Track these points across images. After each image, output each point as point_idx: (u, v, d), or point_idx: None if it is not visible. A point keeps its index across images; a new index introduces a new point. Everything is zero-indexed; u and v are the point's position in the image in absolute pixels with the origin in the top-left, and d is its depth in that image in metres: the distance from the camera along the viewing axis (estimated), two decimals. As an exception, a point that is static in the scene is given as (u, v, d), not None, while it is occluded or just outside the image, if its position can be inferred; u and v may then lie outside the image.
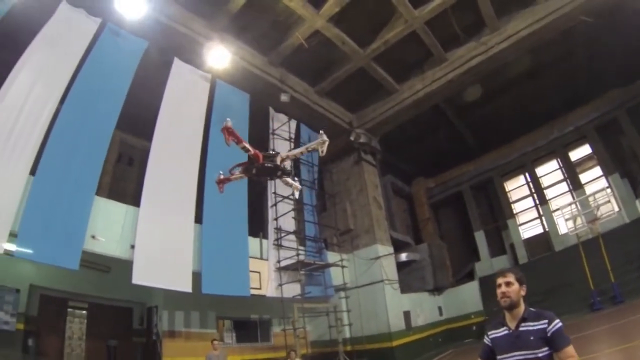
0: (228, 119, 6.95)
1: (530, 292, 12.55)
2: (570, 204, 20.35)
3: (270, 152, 7.28)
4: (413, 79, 19.18)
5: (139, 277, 10.78)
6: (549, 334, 2.77)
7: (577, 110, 22.70)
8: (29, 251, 9.44)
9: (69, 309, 16.76)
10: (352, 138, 19.41)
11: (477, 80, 19.24)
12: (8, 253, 9.46)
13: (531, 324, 2.84)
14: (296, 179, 9.05)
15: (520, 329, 2.85)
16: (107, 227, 11.06)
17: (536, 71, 20.34)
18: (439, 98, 20.14)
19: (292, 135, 17.60)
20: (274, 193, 16.10)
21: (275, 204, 16.00)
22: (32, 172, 9.95)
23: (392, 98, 19.54)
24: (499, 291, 2.94)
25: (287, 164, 8.01)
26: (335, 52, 16.79)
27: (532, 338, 2.77)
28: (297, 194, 10.19)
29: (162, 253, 11.38)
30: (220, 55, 14.25)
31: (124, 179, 17.61)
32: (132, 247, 11.08)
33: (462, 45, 17.72)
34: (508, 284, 2.92)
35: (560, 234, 21.98)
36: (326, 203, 20.24)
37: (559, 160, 24.00)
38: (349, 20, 15.70)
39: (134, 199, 12.89)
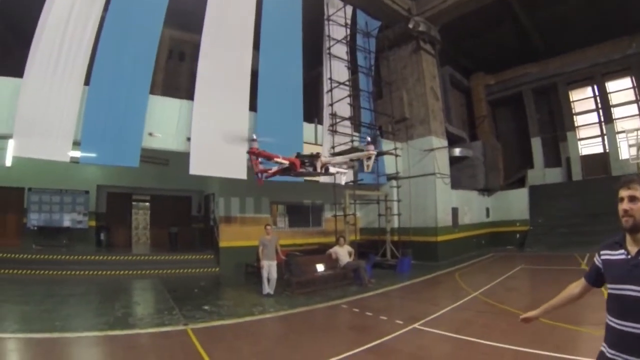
0: (254, 137, 6.98)
1: (576, 212, 12.12)
2: (637, 129, 19.08)
3: (311, 154, 7.04)
4: (479, -34, 17.65)
5: (196, 168, 11.14)
6: None
7: None
8: (93, 155, 10.07)
9: (134, 202, 18.68)
10: (410, 26, 18.31)
11: None
12: (74, 160, 10.13)
13: None
14: (344, 166, 8.64)
15: None
16: (163, 123, 11.38)
17: None
18: None
19: (348, 22, 16.75)
20: (330, 79, 15.63)
21: (330, 90, 15.57)
22: (87, 82, 10.23)
23: (458, -12, 18.10)
24: (620, 207, 2.23)
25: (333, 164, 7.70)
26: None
27: None
28: (343, 181, 9.54)
29: (217, 143, 11.47)
30: None
31: (176, 74, 17.75)
32: (188, 139, 11.32)
33: None
34: (633, 198, 2.19)
35: (620, 158, 20.84)
36: (382, 90, 19.59)
37: (633, 78, 21.87)
38: None
39: (188, 93, 12.99)
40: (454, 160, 19.68)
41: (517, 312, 7.70)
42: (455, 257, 16.95)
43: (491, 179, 21.51)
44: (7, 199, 14.64)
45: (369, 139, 6.84)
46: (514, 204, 21.71)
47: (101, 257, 13.77)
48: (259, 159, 7.11)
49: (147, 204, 19.54)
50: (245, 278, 13.47)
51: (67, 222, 15.27)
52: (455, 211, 18.33)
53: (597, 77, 23.04)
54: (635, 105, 21.78)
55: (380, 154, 16.07)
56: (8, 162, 11.29)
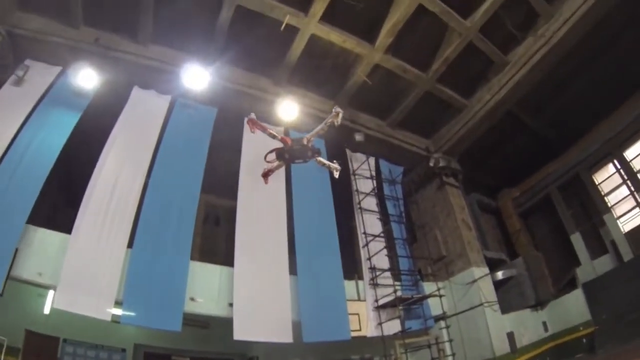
0: (252, 113, 7.77)
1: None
2: None
3: (297, 137, 7.89)
4: (480, 90, 19.04)
5: (240, 334, 11.55)
6: None
7: None
8: (134, 315, 10.59)
9: None
10: (431, 164, 19.45)
11: (545, 74, 18.30)
12: (115, 320, 10.61)
13: None
14: (335, 161, 9.42)
15: None
16: (204, 288, 12.16)
17: (606, 44, 18.83)
18: (510, 103, 19.60)
19: (373, 173, 17.92)
20: (364, 233, 16.47)
21: (367, 244, 16.35)
22: (130, 244, 11.17)
23: (463, 115, 19.45)
24: None
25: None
26: (399, 82, 17.10)
27: None
28: (336, 174, 10.42)
29: (260, 307, 12.08)
30: (289, 107, 14.97)
31: (213, 239, 18.74)
32: (230, 305, 11.91)
33: (520, 43, 17.41)
34: None
35: None
36: (416, 234, 20.31)
37: None
38: (405, 48, 16.17)
39: (225, 258, 13.83)
40: (498, 284, 19.60)
41: None
42: (522, 382, 16.25)
43: (540, 291, 21.14)
44: (41, 346, 13.80)
45: (336, 107, 7.92)
46: (571, 309, 20.86)
47: None
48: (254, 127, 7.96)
49: None
50: None
51: (102, 379, 14.89)
52: (511, 335, 17.90)
53: (614, 150, 22.90)
54: None
55: (424, 297, 16.55)
56: (47, 310, 11.85)
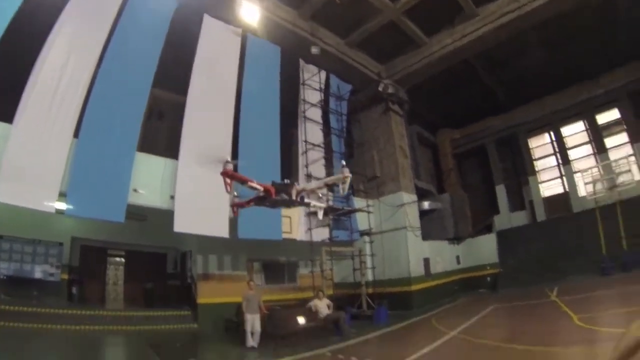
0: (228, 159, 6.88)
1: (543, 250, 13.70)
2: (592, 168, 21.16)
3: (285, 182, 7.11)
4: (443, 33, 19.16)
5: (180, 226, 11.56)
6: None
7: (609, 74, 22.45)
8: (78, 208, 10.29)
9: (108, 257, 18.21)
10: (380, 89, 19.69)
11: (509, 37, 18.98)
12: (59, 212, 10.33)
13: None
14: (321, 195, 9.02)
15: None
16: (148, 180, 11.85)
17: (572, 31, 19.95)
18: (469, 53, 20.14)
19: (322, 86, 17.99)
20: (305, 141, 16.69)
21: (305, 152, 16.60)
22: (76, 134, 10.60)
23: (421, 51, 19.65)
24: None
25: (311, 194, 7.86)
26: (366, 5, 16.80)
27: None
28: (320, 215, 10.12)
29: (200, 201, 11.99)
30: (250, 10, 14.51)
31: (156, 132, 18.26)
32: (172, 197, 11.84)
33: (494, 1, 17.63)
34: None
35: (579, 195, 22.43)
36: (354, 151, 20.84)
37: (585, 122, 24.13)
38: (380, -27, 15.82)
39: (167, 152, 13.55)
40: (423, 213, 20.88)
41: (495, 344, 9.09)
42: (429, 304, 17.71)
43: (460, 228, 22.75)
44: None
45: (343, 162, 7.05)
46: (483, 250, 22.88)
47: (74, 311, 13.06)
48: (232, 182, 7.00)
49: (122, 259, 19.32)
50: (225, 333, 13.79)
51: (38, 274, 14.36)
52: (427, 261, 19.30)
53: (554, 123, 25.07)
54: (588, 146, 23.88)
55: (353, 211, 17.18)
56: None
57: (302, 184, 7.88)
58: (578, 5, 17.17)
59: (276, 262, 17.70)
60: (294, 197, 6.91)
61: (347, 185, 7.03)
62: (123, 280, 18.69)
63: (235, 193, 7.70)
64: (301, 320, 12.32)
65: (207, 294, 14.81)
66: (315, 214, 15.89)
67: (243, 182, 6.79)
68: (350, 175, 6.88)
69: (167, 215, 11.71)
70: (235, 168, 7.08)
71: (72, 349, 10.48)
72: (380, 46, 19.36)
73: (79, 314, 13.02)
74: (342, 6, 16.21)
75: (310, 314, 12.71)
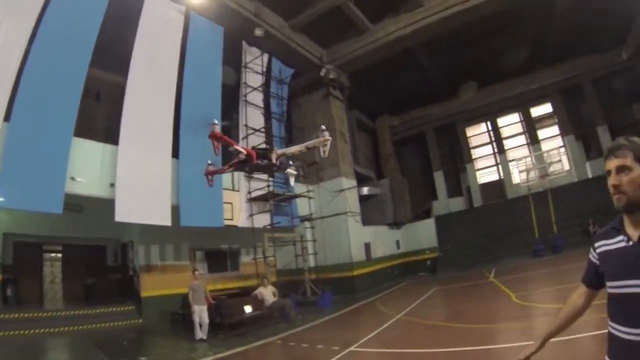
0: (215, 122, 6.57)
1: (479, 234, 14.29)
2: (525, 157, 22.52)
3: (265, 147, 6.94)
4: (387, 20, 19.39)
5: (121, 215, 10.84)
6: None
7: (544, 70, 24.08)
8: (11, 200, 9.39)
9: (44, 253, 16.62)
10: (322, 73, 19.59)
11: (452, 29, 19.44)
12: None
13: None
14: (291, 163, 8.94)
15: None
16: (86, 167, 10.93)
17: (513, 27, 20.87)
18: (412, 42, 20.44)
19: (264, 69, 17.60)
20: (246, 125, 16.30)
21: (246, 136, 16.22)
22: (7, 118, 9.58)
23: (364, 37, 19.71)
24: (609, 183, 1.81)
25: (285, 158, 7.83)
26: (313, -13, 16.63)
27: None
28: (292, 182, 9.98)
29: (142, 189, 11.42)
30: None
31: (92, 116, 17.21)
32: (112, 185, 11.05)
33: None
34: (621, 169, 1.76)
35: (513, 183, 23.93)
36: (293, 135, 20.61)
37: (520, 114, 25.97)
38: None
39: (104, 136, 12.76)
40: (363, 199, 21.01)
41: (441, 324, 9.24)
42: (372, 288, 17.99)
43: (399, 213, 23.15)
44: None
45: (323, 127, 7.08)
46: (422, 234, 23.52)
47: (9, 315, 11.80)
48: (219, 145, 6.73)
49: (59, 254, 18.20)
50: (172, 326, 13.23)
51: (-33, 275, 12.88)
52: (367, 246, 19.51)
53: (490, 114, 26.27)
54: (523, 137, 25.63)
55: (294, 197, 17.05)
56: None
57: (280, 149, 7.83)
58: (518, 4, 17.77)
59: (218, 250, 17.34)
60: (274, 161, 6.79)
61: (327, 149, 6.92)
62: (61, 277, 17.11)
63: (210, 161, 7.68)
64: (248, 308, 12.13)
65: (151, 286, 14.22)
66: (255, 199, 15.73)
67: (229, 145, 6.63)
68: (330, 138, 6.80)
69: (105, 205, 10.96)
70: (223, 130, 6.66)
71: (10, 358, 9.56)
72: (323, 31, 19.19)
73: (15, 317, 11.94)
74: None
75: (257, 302, 12.52)
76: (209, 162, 7.63)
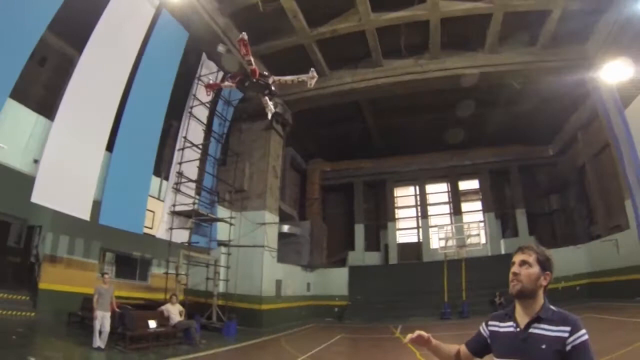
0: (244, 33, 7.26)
1: (391, 291, 14.88)
2: (446, 225, 23.99)
3: (264, 72, 7.63)
4: (344, 71, 20.17)
5: (39, 197, 9.90)
6: (568, 347, 1.95)
7: (478, 150, 26.33)
8: None
9: None
10: (269, 105, 19.77)
11: (404, 93, 20.73)
12: None
13: (547, 327, 2.04)
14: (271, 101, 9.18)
15: (531, 330, 2.07)
16: (12, 134, 9.93)
17: (459, 105, 22.16)
18: (361, 96, 21.52)
19: (216, 86, 17.49)
20: (184, 137, 15.95)
21: (182, 149, 15.87)
22: None
23: (319, 81, 19.80)
24: (511, 270, 2.19)
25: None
26: (284, 23, 16.95)
27: (543, 347, 1.99)
28: (269, 115, 10.14)
29: (67, 174, 10.54)
30: None
31: (31, 79, 15.98)
32: (36, 162, 10.12)
33: (401, 59, 19.13)
34: (523, 263, 2.16)
35: (431, 247, 25.12)
36: (227, 159, 20.37)
37: (448, 184, 27.76)
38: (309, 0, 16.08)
39: (39, 106, 11.89)
40: (282, 236, 20.97)
41: None
42: (278, 325, 17.84)
43: (315, 257, 23.28)
44: None
45: (312, 69, 7.59)
46: (334, 281, 23.82)
47: None
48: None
49: None
50: (68, 328, 11.98)
51: None
52: (279, 283, 19.40)
53: (420, 179, 27.63)
54: (447, 206, 27.21)
55: (217, 219, 16.76)
56: None
57: (276, 77, 8.27)
58: (469, 87, 19.18)
59: (130, 256, 16.47)
60: (270, 82, 7.39)
61: (313, 83, 7.79)
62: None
63: (210, 77, 7.92)
64: (152, 323, 11.47)
65: (52, 279, 13.04)
66: (178, 213, 15.26)
67: (248, 53, 7.24)
68: (317, 76, 7.61)
69: (22, 180, 10.02)
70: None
71: None
72: (282, 64, 19.34)
73: None
74: (263, 15, 16.16)
75: (162, 319, 11.94)
76: (209, 77, 8.11)
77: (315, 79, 7.55)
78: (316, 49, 18.37)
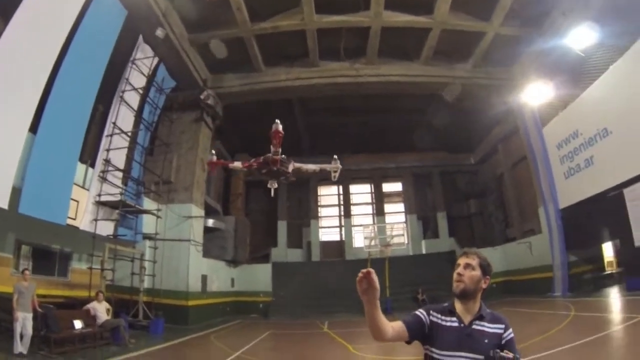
0: (213, 152, 6.89)
1: (314, 287, 15.32)
2: (369, 225, 24.78)
3: (283, 156, 6.82)
4: (280, 68, 20.30)
5: None
6: (503, 341, 2.25)
7: (403, 154, 27.71)
8: None
9: None
10: (202, 96, 19.36)
11: (336, 95, 21.26)
12: None
13: (487, 324, 2.29)
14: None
15: (474, 326, 2.29)
16: None
17: (387, 111, 23.27)
18: (294, 95, 21.82)
19: (150, 72, 16.67)
20: (114, 123, 15.01)
21: (111, 135, 14.94)
22: None
23: (253, 75, 20.27)
24: (455, 272, 2.38)
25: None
26: (227, 13, 16.70)
27: (486, 341, 2.23)
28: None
29: None
30: None
31: None
32: None
33: (337, 61, 19.57)
34: (467, 266, 2.36)
35: (354, 246, 26.13)
36: (154, 149, 19.61)
37: (372, 186, 28.97)
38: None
39: None
40: (207, 230, 20.71)
41: None
42: (204, 321, 17.61)
43: (239, 252, 23.08)
44: None
45: (335, 157, 7.06)
46: (258, 277, 23.78)
47: None
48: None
49: None
50: None
51: None
52: (204, 278, 19.09)
53: (344, 180, 27.75)
54: (370, 207, 28.47)
55: (144, 211, 16.01)
56: None
57: (298, 164, 7.67)
58: (399, 93, 20.38)
59: (49, 249, 14.78)
60: (289, 170, 6.79)
61: (337, 174, 7.28)
62: None
63: (213, 152, 7.50)
64: (78, 324, 10.78)
65: None
66: (103, 204, 14.32)
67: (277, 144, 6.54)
68: (340, 167, 7.15)
69: None
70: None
71: None
72: (218, 55, 19.09)
73: None
74: (204, 3, 15.80)
75: (88, 318, 11.28)
76: (213, 153, 7.43)
77: (339, 170, 7.20)
78: (255, 44, 18.24)
